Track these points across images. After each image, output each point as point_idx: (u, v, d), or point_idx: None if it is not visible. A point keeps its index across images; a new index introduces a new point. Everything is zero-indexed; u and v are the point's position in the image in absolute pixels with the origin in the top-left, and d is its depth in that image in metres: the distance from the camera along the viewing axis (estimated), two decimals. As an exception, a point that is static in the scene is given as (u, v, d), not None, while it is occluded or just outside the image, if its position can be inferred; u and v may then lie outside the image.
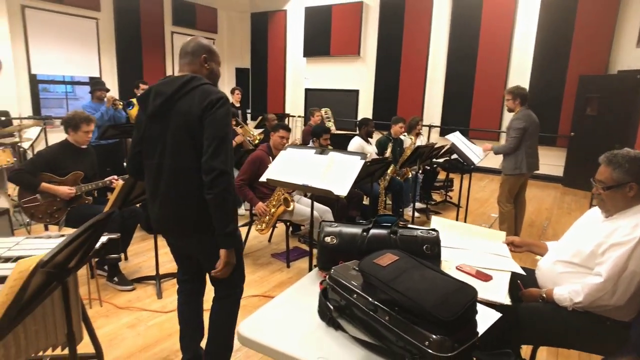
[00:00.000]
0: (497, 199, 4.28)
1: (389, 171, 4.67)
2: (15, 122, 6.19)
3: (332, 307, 1.34)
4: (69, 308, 1.25)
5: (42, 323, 1.55)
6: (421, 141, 5.60)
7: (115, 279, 3.14)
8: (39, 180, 3.01)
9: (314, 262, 2.95)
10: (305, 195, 3.88)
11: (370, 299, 1.20)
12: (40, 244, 1.74)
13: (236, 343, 2.17)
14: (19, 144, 5.08)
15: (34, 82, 7.36)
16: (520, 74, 7.75)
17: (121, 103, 5.10)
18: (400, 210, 4.86)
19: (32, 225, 4.05)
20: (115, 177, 3.34)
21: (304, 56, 10.07)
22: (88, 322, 2.01)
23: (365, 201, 4.61)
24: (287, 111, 10.51)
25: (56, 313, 1.66)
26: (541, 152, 4.25)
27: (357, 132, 5.20)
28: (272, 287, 3.24)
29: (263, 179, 2.40)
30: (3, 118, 6.52)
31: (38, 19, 7.15)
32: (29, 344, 1.48)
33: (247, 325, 1.31)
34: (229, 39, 10.95)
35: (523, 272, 1.81)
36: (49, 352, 1.78)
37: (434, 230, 1.66)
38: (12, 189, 4.93)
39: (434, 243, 1.62)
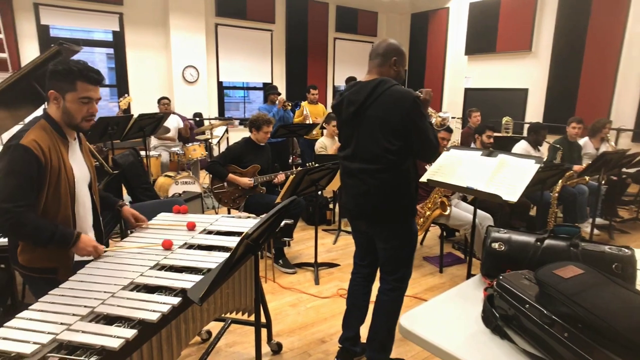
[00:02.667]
0: None
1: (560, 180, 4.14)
2: (206, 123, 7.42)
3: (498, 315, 1.28)
4: (258, 275, 1.47)
5: (232, 288, 1.86)
6: (607, 147, 4.81)
7: (280, 261, 3.52)
8: (227, 171, 3.56)
9: (472, 271, 2.83)
10: (465, 200, 3.72)
11: (545, 312, 1.11)
12: (233, 222, 2.07)
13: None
14: (209, 141, 6.07)
15: (221, 88, 8.68)
16: None
17: (290, 104, 5.66)
18: (575, 225, 4.25)
19: (219, 208, 4.80)
20: (282, 172, 3.76)
21: (466, 54, 9.58)
22: (262, 295, 2.32)
23: (532, 211, 4.18)
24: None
25: (242, 282, 1.96)
26: None
27: (525, 136, 4.74)
28: (424, 289, 3.20)
29: (423, 179, 2.39)
30: (198, 119, 7.87)
31: (227, 34, 8.40)
32: (222, 304, 1.78)
33: (409, 318, 1.34)
34: (388, 42, 11.09)
35: None
36: (233, 315, 2.11)
37: (627, 248, 1.43)
38: (203, 177, 5.93)
39: (628, 262, 1.40)
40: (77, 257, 1.74)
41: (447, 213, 3.37)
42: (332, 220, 4.76)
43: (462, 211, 3.44)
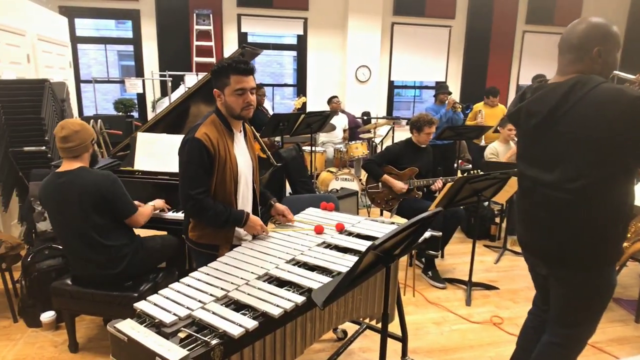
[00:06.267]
0: None
1: None
2: (373, 121, 7.50)
3: None
4: (388, 290, 1.35)
5: (365, 295, 1.77)
6: None
7: (430, 273, 3.28)
8: (383, 171, 3.48)
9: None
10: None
11: None
12: (374, 226, 1.99)
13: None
14: (372, 139, 6.10)
15: (391, 87, 8.65)
16: None
17: (460, 106, 5.24)
18: None
19: (372, 208, 4.78)
20: (442, 179, 3.47)
21: None
22: (400, 307, 2.17)
23: None
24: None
25: (377, 290, 1.86)
26: None
27: None
28: (609, 339, 2.55)
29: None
30: (365, 117, 8.02)
31: (402, 32, 8.31)
32: (353, 309, 1.72)
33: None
34: (593, 33, 9.35)
35: None
36: (367, 320, 2.03)
37: None
38: (363, 175, 6.01)
39: None
40: (234, 241, 1.92)
41: (654, 248, 2.62)
42: (497, 236, 4.23)
43: (678, 249, 2.62)
